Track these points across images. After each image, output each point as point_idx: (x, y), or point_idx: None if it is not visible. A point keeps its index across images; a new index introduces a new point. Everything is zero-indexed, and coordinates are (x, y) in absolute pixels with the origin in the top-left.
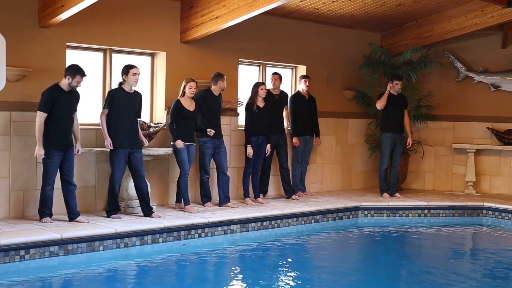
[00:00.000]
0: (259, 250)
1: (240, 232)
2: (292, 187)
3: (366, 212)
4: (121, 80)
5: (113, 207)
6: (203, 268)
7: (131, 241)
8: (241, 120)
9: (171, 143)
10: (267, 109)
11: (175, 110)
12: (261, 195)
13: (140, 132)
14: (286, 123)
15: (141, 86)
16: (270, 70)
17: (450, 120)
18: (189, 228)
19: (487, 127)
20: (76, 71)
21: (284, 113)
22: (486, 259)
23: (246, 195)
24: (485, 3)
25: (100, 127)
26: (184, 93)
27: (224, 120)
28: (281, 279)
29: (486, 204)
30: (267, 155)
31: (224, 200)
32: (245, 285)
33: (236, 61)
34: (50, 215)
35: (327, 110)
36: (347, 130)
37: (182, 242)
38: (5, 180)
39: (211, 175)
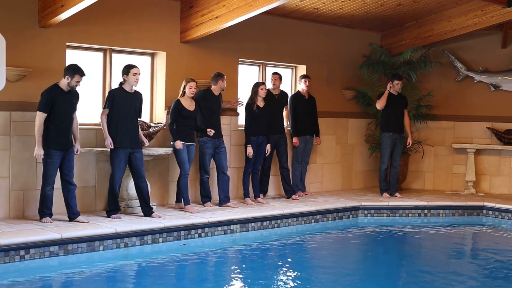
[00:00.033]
0: (259, 250)
1: (240, 232)
2: (292, 187)
3: (366, 212)
4: (121, 80)
5: (113, 207)
6: (203, 268)
7: (131, 241)
8: (241, 120)
9: (171, 143)
10: (267, 109)
11: (175, 110)
12: (261, 195)
13: (141, 132)
14: (286, 123)
15: (141, 86)
16: (270, 70)
17: (450, 120)
18: (189, 228)
19: (487, 127)
20: (75, 71)
21: (284, 113)
22: (486, 259)
23: (246, 195)
24: (485, 3)
25: (100, 127)
26: (184, 93)
27: (224, 120)
28: (281, 279)
29: (486, 204)
30: (267, 155)
31: (224, 200)
32: (245, 285)
33: (236, 61)
34: (50, 215)
35: (327, 110)
36: (347, 130)
37: (182, 242)
38: (5, 180)
39: (211, 175)
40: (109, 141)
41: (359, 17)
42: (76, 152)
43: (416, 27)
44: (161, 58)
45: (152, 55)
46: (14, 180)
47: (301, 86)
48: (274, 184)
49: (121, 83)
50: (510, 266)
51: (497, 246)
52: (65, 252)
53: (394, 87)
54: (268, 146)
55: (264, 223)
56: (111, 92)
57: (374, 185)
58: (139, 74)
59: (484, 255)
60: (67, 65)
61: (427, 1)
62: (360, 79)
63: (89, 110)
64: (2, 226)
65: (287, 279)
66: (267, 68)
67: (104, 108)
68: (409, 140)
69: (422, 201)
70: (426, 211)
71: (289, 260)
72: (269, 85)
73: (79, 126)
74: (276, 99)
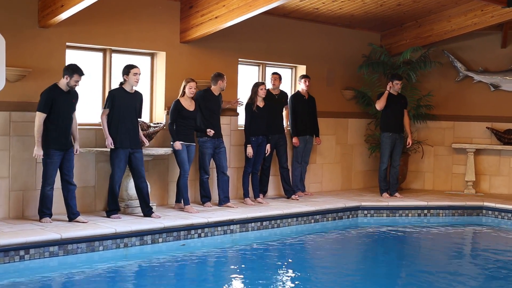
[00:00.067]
0: (259, 250)
1: (239, 232)
2: (292, 187)
3: (365, 212)
4: (121, 80)
5: (113, 207)
6: (202, 268)
7: (130, 241)
8: (241, 120)
9: (171, 143)
10: (266, 109)
11: (175, 110)
12: (261, 195)
13: (141, 132)
14: (286, 123)
15: (141, 86)
16: (269, 70)
17: (450, 120)
18: (188, 228)
19: (486, 127)
20: (74, 70)
21: (284, 113)
22: (485, 259)
23: (245, 195)
24: (485, 3)
25: (100, 127)
26: (184, 93)
27: (224, 120)
28: (281, 279)
29: (486, 204)
30: (267, 155)
31: (223, 200)
32: (244, 285)
33: (236, 61)
34: (50, 215)
35: (327, 110)
36: (347, 130)
37: (182, 242)
38: (5, 180)
39: (211, 175)
40: (109, 141)
41: (359, 17)
42: (76, 152)
43: (416, 27)
44: (161, 58)
45: (152, 55)
46: (14, 180)
47: (301, 86)
48: (273, 184)
49: (121, 83)
50: (510, 266)
51: (497, 246)
52: (64, 252)
53: (394, 87)
54: (268, 146)
55: (264, 223)
56: (111, 92)
57: (374, 185)
58: (140, 74)
59: (484, 255)
60: (66, 65)
61: (426, 1)
62: (360, 79)
63: (89, 110)
64: (2, 226)
65: (287, 279)
66: (267, 68)
67: (104, 108)
68: (409, 140)
69: (422, 201)
70: (426, 211)
71: (288, 260)
72: (268, 85)
73: (78, 126)
74: (276, 99)
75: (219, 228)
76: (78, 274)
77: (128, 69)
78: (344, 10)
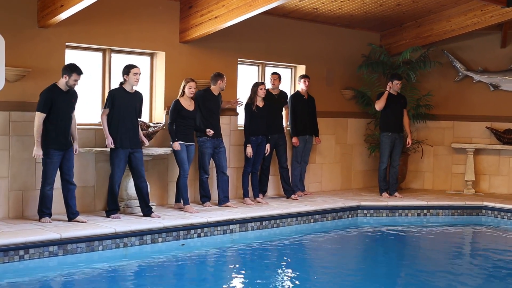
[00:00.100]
0: (259, 250)
1: (239, 231)
2: (292, 187)
3: (365, 211)
4: (120, 80)
5: (112, 207)
6: (202, 268)
7: (130, 241)
8: (241, 119)
9: (171, 143)
10: (266, 108)
11: (175, 110)
12: (261, 195)
13: (141, 132)
14: (285, 122)
15: (140, 86)
16: (269, 70)
17: (450, 120)
18: (188, 228)
19: (486, 127)
20: (73, 70)
21: (284, 113)
22: (485, 259)
23: (245, 194)
24: (484, 3)
25: (100, 127)
26: (183, 93)
27: (224, 120)
28: (280, 279)
29: (485, 203)
30: (266, 154)
31: (223, 200)
32: (244, 284)
33: (236, 61)
34: (50, 215)
35: (326, 109)
36: (346, 129)
37: (182, 242)
38: (4, 180)
39: (211, 174)
40: (109, 140)
41: (359, 17)
42: (75, 152)
43: (416, 27)
44: (161, 58)
45: (152, 55)
46: (14, 180)
47: (301, 86)
48: (273, 184)
49: (121, 83)
50: (510, 265)
51: (496, 245)
52: (64, 252)
53: (394, 87)
54: (268, 146)
55: (264, 223)
56: (112, 92)
57: (374, 185)
58: (140, 74)
59: (483, 255)
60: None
61: (426, 1)
62: (359, 79)
63: (89, 110)
64: (2, 226)
65: (286, 279)
66: (267, 68)
67: (104, 108)
68: (409, 140)
69: (421, 201)
70: (425, 211)
71: (288, 260)
72: (268, 85)
73: (78, 126)
74: (275, 99)
75: (219, 228)
76: (77, 274)
77: (128, 69)
78: (343, 10)
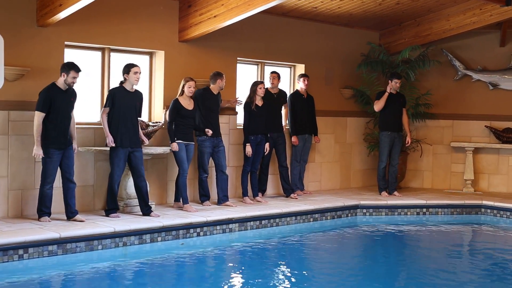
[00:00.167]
0: (258, 249)
1: (238, 231)
2: (291, 186)
3: (364, 210)
4: (120, 79)
5: (112, 206)
6: (201, 267)
7: (129, 240)
8: (240, 119)
9: (170, 143)
10: (265, 107)
11: (174, 109)
12: (260, 194)
13: (141, 131)
14: (284, 121)
15: (140, 85)
16: (268, 69)
17: (449, 119)
18: (187, 227)
19: (485, 126)
20: (70, 67)
21: (283, 112)
22: (484, 257)
23: (244, 194)
24: (484, 2)
25: (99, 126)
26: (182, 92)
27: (223, 119)
28: (280, 278)
29: (485, 202)
30: (265, 153)
31: (222, 199)
32: (243, 283)
33: (235, 60)
34: (49, 214)
35: (326, 108)
36: (346, 128)
37: (181, 241)
38: (4, 179)
39: (210, 174)
40: (110, 139)
41: (358, 16)
42: (74, 151)
43: (415, 26)
44: (160, 57)
45: (151, 54)
46: (13, 180)
47: (300, 85)
48: (273, 183)
49: (121, 82)
50: (508, 264)
51: (495, 244)
52: (63, 251)
53: (393, 86)
54: (267, 145)
55: (263, 222)
56: (112, 91)
57: (373, 184)
58: (140, 73)
59: (483, 254)
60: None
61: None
62: (358, 78)
63: (88, 109)
64: (1, 226)
65: (286, 278)
66: (266, 67)
67: (104, 107)
68: (408, 139)
69: (420, 200)
70: (424, 210)
71: (287, 259)
72: (267, 84)
73: (77, 125)
74: (274, 98)
75: (218, 227)
76: (77, 273)
77: (128, 68)
78: (342, 9)
